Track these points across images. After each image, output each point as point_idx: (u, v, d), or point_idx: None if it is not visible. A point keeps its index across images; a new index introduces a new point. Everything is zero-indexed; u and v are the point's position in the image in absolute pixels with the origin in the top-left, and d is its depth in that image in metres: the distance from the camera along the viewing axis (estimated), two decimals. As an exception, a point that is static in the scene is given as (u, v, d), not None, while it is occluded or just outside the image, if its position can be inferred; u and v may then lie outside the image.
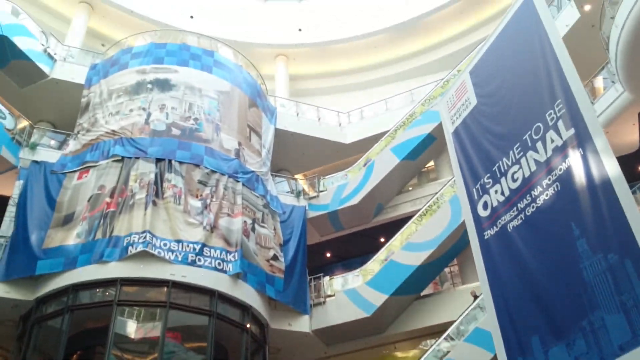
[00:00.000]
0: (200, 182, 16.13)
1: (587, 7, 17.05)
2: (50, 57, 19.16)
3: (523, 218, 10.11)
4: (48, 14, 24.30)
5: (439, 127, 16.55)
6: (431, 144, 19.41)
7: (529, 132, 10.36)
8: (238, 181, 17.04)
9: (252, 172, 17.89)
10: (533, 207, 9.90)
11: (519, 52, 11.53)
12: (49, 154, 16.83)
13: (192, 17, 26.23)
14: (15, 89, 18.74)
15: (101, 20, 24.94)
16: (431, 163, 21.74)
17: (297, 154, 22.18)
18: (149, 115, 17.02)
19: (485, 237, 11.17)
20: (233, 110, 18.69)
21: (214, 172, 16.54)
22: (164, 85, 17.93)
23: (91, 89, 18.44)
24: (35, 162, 16.23)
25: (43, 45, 19.07)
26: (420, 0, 25.93)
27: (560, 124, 9.59)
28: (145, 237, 13.92)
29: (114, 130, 16.66)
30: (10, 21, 18.06)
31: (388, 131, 20.32)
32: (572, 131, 9.26)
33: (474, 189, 11.93)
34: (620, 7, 12.70)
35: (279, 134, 20.98)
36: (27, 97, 19.04)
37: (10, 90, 18.70)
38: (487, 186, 11.40)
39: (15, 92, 18.82)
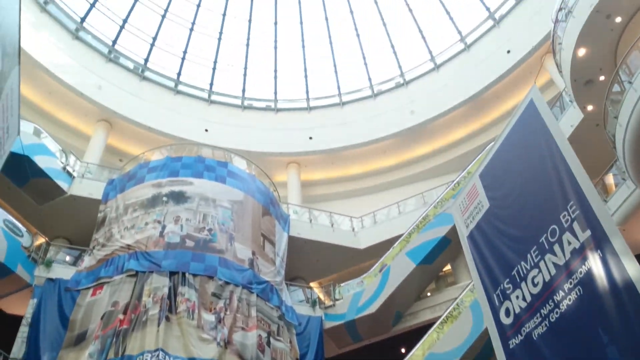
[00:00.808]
0: (214, 294, 15.90)
1: (590, 107, 17.38)
2: (69, 174, 19.75)
3: (547, 325, 9.76)
4: (68, 132, 25.35)
5: (454, 230, 16.42)
6: (447, 247, 19.15)
7: (545, 235, 10.26)
8: (252, 292, 16.78)
9: (267, 282, 17.66)
10: (557, 312, 9.59)
11: (527, 155, 11.69)
12: (63, 271, 16.81)
13: (206, 130, 27.23)
14: (33, 206, 19.13)
15: (119, 136, 25.97)
16: (448, 266, 21.36)
17: (311, 261, 21.98)
18: (163, 227, 17.16)
19: (511, 346, 10.75)
20: (247, 219, 18.83)
21: (227, 283, 16.34)
22: (179, 197, 18.23)
23: (108, 204, 18.79)
24: (50, 279, 16.18)
25: (62, 163, 19.73)
26: (425, 107, 26.79)
27: (575, 225, 9.51)
28: (158, 356, 13.52)
29: (129, 245, 16.73)
30: (32, 141, 18.79)
31: (402, 235, 20.19)
32: (588, 233, 9.17)
33: (494, 295, 11.64)
34: (622, 107, 12.84)
35: (293, 241, 20.92)
36: (45, 213, 19.37)
37: (28, 207, 19.08)
38: (508, 292, 11.12)
39: (34, 209, 19.19)
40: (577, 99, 17.10)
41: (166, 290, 15.21)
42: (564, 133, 17.04)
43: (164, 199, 18.09)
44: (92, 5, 27.25)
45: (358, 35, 30.87)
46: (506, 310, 11.20)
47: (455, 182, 20.36)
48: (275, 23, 31.60)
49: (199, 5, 30.55)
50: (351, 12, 31.05)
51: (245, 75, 30.84)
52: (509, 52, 24.19)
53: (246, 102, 30.01)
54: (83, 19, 26.66)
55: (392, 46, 29.99)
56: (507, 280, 11.23)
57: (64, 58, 24.60)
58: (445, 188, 20.79)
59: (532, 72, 23.39)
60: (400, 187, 27.38)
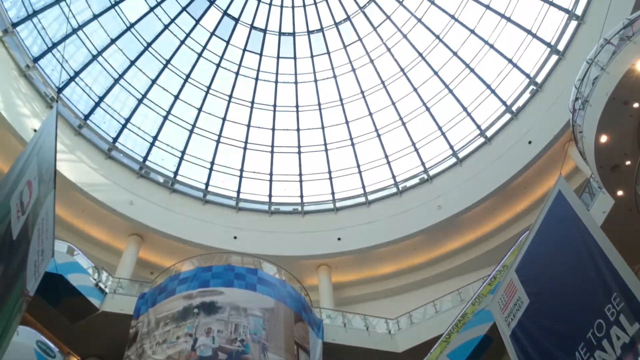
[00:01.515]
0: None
1: (620, 192, 17.11)
2: (101, 290, 19.89)
3: None
4: (100, 248, 25.85)
5: (495, 327, 15.72)
6: (489, 345, 18.24)
7: (591, 330, 9.76)
8: (288, 406, 16.07)
9: (302, 394, 16.96)
10: (613, 412, 8.89)
11: (562, 246, 11.41)
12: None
13: (235, 237, 27.45)
14: (65, 324, 19.11)
15: (150, 249, 26.34)
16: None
17: (348, 367, 21.14)
18: (195, 341, 16.89)
19: None
20: (279, 327, 18.45)
21: (262, 398, 15.74)
22: (210, 308, 18.07)
23: (139, 319, 18.69)
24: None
25: (94, 279, 19.97)
26: (452, 201, 26.69)
27: (622, 318, 9.06)
28: None
29: (160, 361, 16.44)
30: (65, 260, 19.19)
31: (441, 335, 19.40)
32: (637, 326, 8.70)
33: (545, 398, 10.90)
34: (652, 192, 12.72)
35: (328, 347, 20.27)
36: (77, 331, 19.31)
37: (60, 325, 19.06)
38: (557, 394, 10.42)
39: (66, 327, 19.15)
40: (605, 185, 16.87)
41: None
42: (597, 221, 16.75)
43: (195, 310, 17.95)
44: (124, 126, 28.78)
45: (379, 136, 31.66)
46: (558, 413, 10.45)
47: (491, 276, 19.78)
48: (298, 130, 32.75)
49: (224, 119, 32.01)
50: (370, 113, 32.13)
51: (271, 181, 31.55)
52: (530, 142, 24.36)
53: (273, 207, 30.43)
54: (115, 139, 28.04)
55: (413, 143, 30.57)
56: (555, 382, 10.57)
57: (97, 177, 25.61)
58: (482, 283, 20.18)
59: (557, 160, 23.29)
60: (435, 285, 26.72)
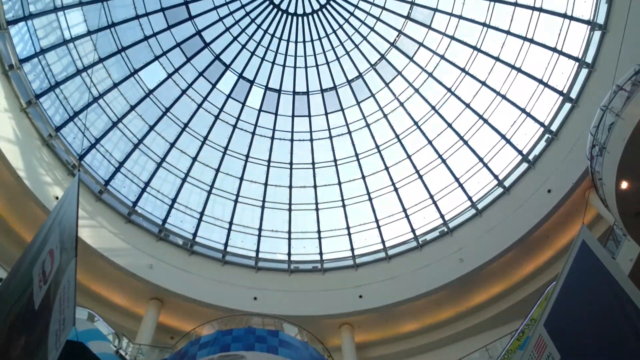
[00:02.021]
0: None
1: (644, 239, 16.79)
2: (122, 357, 19.61)
3: None
4: (121, 313, 25.75)
5: (526, 385, 15.11)
6: (521, 404, 17.48)
7: (628, 383, 9.34)
8: None
9: None
10: None
11: (590, 297, 11.10)
12: None
13: (255, 298, 27.15)
14: (86, 394, 18.77)
15: (170, 312, 26.14)
16: None
17: None
18: (217, 408, 16.41)
19: None
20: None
21: None
22: (231, 373, 17.66)
23: (160, 389, 18.34)
24: None
25: (115, 346, 19.71)
26: (473, 254, 26.23)
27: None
28: None
29: None
30: (86, 327, 18.98)
31: (470, 394, 18.73)
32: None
33: None
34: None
35: (353, 411, 19.59)
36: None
37: (81, 396, 18.72)
38: None
39: (86, 397, 18.81)
40: (629, 231, 16.58)
41: None
42: (624, 269, 16.34)
43: (217, 377, 17.54)
44: (143, 190, 29.20)
45: (396, 189, 31.64)
46: None
47: (519, 331, 19.17)
48: (315, 187, 32.90)
49: (241, 178, 32.35)
50: (386, 167, 32.24)
51: (289, 239, 31.48)
52: (549, 191, 24.12)
53: (292, 266, 30.20)
54: (135, 203, 28.39)
55: (431, 196, 30.46)
56: None
57: (118, 242, 25.77)
58: (510, 339, 19.55)
59: (578, 208, 23.02)
60: (462, 341, 25.98)
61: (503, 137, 28.35)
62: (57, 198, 23.17)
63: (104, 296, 25.53)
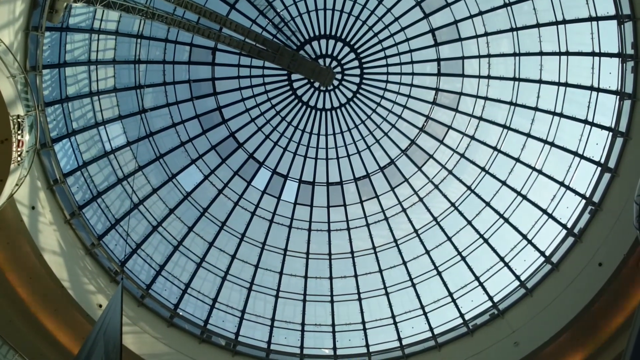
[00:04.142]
0: None
1: None
2: None
3: None
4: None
5: None
6: None
7: None
8: None
9: None
10: None
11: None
12: None
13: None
14: None
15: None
16: None
17: None
18: None
19: None
20: None
21: None
22: None
23: None
24: None
25: None
26: (528, 336, 24.99)
27: None
28: None
29: None
30: None
31: None
32: None
33: None
34: None
35: None
36: None
37: None
38: None
39: None
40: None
41: None
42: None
43: None
44: (184, 292, 29.25)
45: (439, 273, 30.86)
46: None
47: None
48: (356, 276, 32.38)
49: (281, 273, 32.15)
50: (427, 251, 31.64)
51: (334, 332, 30.64)
52: (600, 265, 23.08)
53: (339, 360, 29.15)
54: (176, 306, 28.34)
55: (477, 277, 29.54)
56: None
57: (160, 346, 25.54)
58: None
59: (633, 279, 21.90)
60: None
61: (544, 211, 27.72)
62: (100, 306, 23.37)
63: (149, 404, 24.91)
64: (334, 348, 29.84)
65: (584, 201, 25.83)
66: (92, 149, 26.92)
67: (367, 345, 29.80)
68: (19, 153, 16.12)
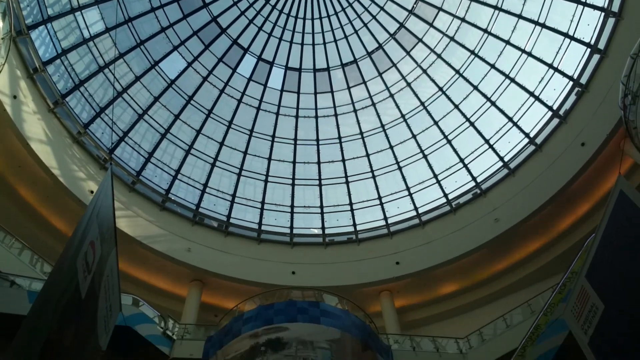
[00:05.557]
0: None
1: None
2: (169, 338, 20.21)
3: None
4: (164, 296, 26.49)
5: (572, 336, 15.01)
6: (567, 356, 17.36)
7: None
8: None
9: (380, 422, 16.53)
10: None
11: (631, 246, 10.91)
12: None
13: (293, 272, 27.54)
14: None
15: (212, 292, 26.75)
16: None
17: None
18: (266, 378, 16.84)
19: None
20: (347, 357, 18.23)
21: None
22: (276, 345, 18.00)
23: (209, 362, 18.85)
24: None
25: (161, 328, 20.31)
26: (508, 213, 25.99)
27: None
28: None
29: (233, 405, 16.41)
30: (132, 312, 19.59)
31: (516, 350, 18.63)
32: None
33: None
34: None
35: (399, 374, 19.83)
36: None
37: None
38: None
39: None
40: (669, 176, 16.20)
41: None
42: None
43: (262, 348, 17.92)
44: (175, 178, 29.71)
45: (425, 156, 31.43)
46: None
47: (560, 284, 18.98)
48: (343, 160, 32.91)
49: (269, 159, 32.57)
50: (413, 135, 31.99)
51: (322, 213, 31.67)
52: (583, 144, 23.60)
53: (327, 239, 30.47)
54: (167, 191, 28.92)
55: (462, 160, 30.19)
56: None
57: (154, 229, 26.36)
58: (552, 293, 19.38)
59: (614, 159, 22.53)
60: (503, 299, 25.95)
61: (531, 94, 27.79)
62: (91, 192, 23.78)
63: (147, 281, 26.26)
64: (323, 228, 31.05)
65: (571, 83, 25.85)
66: (70, 36, 25.99)
67: (355, 225, 31.02)
68: (-6, 40, 15.58)
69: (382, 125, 33.09)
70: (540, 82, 27.63)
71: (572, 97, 25.71)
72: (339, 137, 33.63)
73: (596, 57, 24.38)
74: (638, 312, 10.62)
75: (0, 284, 17.41)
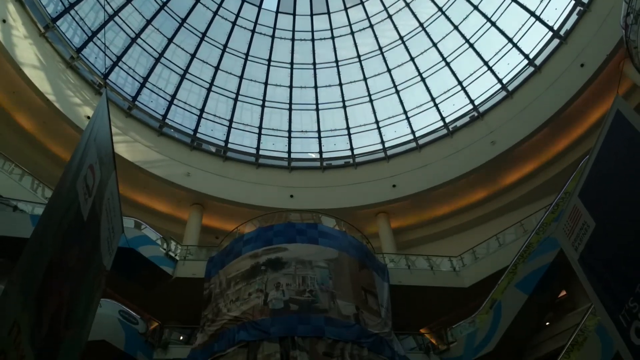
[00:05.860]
0: (325, 354, 15.78)
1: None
2: (172, 258, 20.82)
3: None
4: (165, 220, 27.00)
5: (562, 254, 15.49)
6: (557, 272, 18.07)
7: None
8: (363, 347, 16.51)
9: (375, 334, 17.33)
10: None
11: (625, 166, 10.97)
12: (180, 350, 17.54)
13: (292, 196, 27.97)
14: (143, 293, 20.17)
15: (212, 215, 27.28)
16: (564, 292, 20.06)
17: (416, 307, 21.40)
18: (266, 295, 17.48)
19: (650, 368, 9.77)
20: (345, 275, 18.83)
21: (337, 341, 16.18)
22: (275, 264, 18.60)
23: (211, 281, 19.51)
24: (168, 362, 16.83)
25: (164, 249, 20.88)
26: (505, 135, 26.07)
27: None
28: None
29: (236, 317, 17.12)
30: (134, 234, 20.06)
31: (507, 267, 19.33)
32: None
33: (620, 317, 10.73)
34: None
35: (395, 290, 20.57)
36: (154, 298, 20.34)
37: (138, 295, 20.10)
38: (634, 310, 10.23)
39: (143, 296, 20.21)
40: (666, 96, 16.15)
41: (278, 356, 15.36)
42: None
43: (262, 267, 18.54)
44: (171, 103, 29.50)
45: (423, 79, 31.09)
46: (636, 331, 10.28)
47: (553, 204, 19.42)
48: (340, 84, 32.57)
49: (266, 83, 32.21)
50: (411, 58, 31.49)
51: (319, 137, 31.73)
52: (582, 65, 23.29)
53: (325, 163, 30.70)
54: (164, 116, 28.80)
55: (460, 82, 29.89)
56: (632, 298, 10.35)
57: (153, 154, 26.50)
58: (544, 212, 19.86)
59: (613, 81, 22.29)
60: (496, 219, 26.47)
61: (532, 13, 27.09)
62: (88, 117, 23.67)
63: (148, 205, 26.69)
64: (320, 152, 31.21)
65: (573, 1, 25.18)
66: (57, -45, 25.01)
67: (352, 148, 31.18)
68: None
69: (380, 48, 32.44)
70: (541, 1, 26.88)
71: (574, 17, 25.11)
72: (336, 61, 33.05)
73: (599, -25, 23.63)
74: (627, 229, 10.84)
75: (3, 209, 17.72)
